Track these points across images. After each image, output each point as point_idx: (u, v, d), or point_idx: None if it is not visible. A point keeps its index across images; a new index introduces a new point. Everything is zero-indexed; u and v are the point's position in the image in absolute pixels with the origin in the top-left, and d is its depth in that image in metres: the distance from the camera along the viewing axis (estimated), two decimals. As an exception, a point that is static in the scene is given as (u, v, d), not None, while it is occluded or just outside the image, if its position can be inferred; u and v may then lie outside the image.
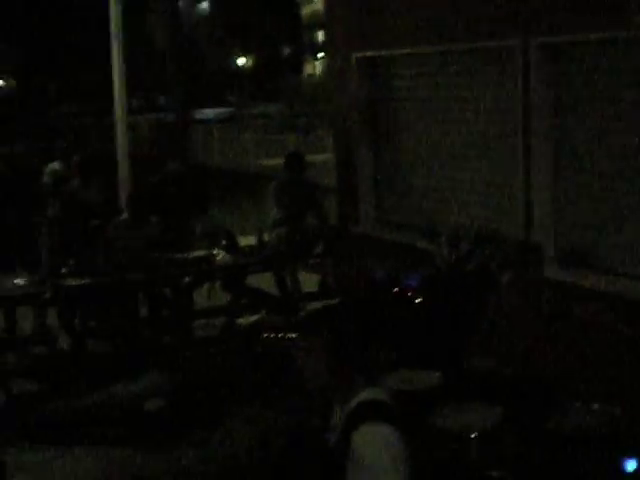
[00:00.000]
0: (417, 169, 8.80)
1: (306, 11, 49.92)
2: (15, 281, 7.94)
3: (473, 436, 4.40)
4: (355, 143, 9.39)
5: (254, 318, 8.41)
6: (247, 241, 9.75)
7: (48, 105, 37.77)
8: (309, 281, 9.43)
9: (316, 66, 54.32)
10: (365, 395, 3.14)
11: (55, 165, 11.72)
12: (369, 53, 9.22)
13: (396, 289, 6.34)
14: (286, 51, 56.40)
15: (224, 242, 8.79)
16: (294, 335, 6.78)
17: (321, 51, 53.78)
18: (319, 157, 16.90)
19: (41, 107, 35.26)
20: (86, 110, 34.57)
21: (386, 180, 9.25)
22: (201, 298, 9.14)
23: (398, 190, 9.09)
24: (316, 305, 8.11)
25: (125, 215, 8.64)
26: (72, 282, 7.97)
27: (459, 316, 5.80)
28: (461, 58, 8.42)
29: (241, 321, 8.69)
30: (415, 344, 5.56)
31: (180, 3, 23.40)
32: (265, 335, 7.05)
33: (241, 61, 56.79)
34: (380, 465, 2.94)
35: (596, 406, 4.70)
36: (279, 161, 20.12)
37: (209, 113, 34.38)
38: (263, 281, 9.21)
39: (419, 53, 8.72)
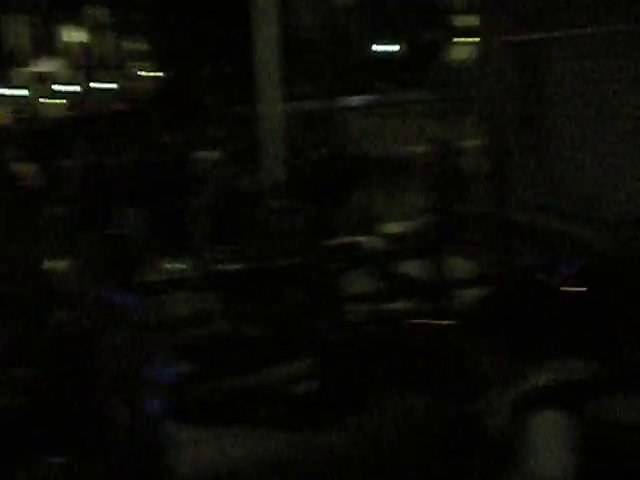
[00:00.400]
0: (574, 154, 8.58)
1: (453, -6, 49.26)
2: (171, 266, 8.19)
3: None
4: (507, 128, 9.23)
5: (403, 305, 8.40)
6: (396, 228, 9.73)
7: (201, 94, 38.68)
8: (459, 267, 9.32)
9: (463, 51, 53.59)
10: (539, 380, 3.12)
11: (209, 154, 12.00)
12: (522, 36, 9.04)
13: (554, 277, 6.21)
14: (433, 36, 55.97)
15: (370, 225, 8.82)
16: (448, 322, 6.80)
17: (469, 35, 53.16)
18: (469, 143, 16.65)
19: (193, 96, 36.14)
20: (237, 99, 35.16)
21: (541, 165, 9.06)
22: (351, 284, 9.17)
23: (553, 176, 8.89)
24: (472, 292, 8.06)
25: (277, 202, 8.78)
26: (226, 267, 8.18)
27: (621, 305, 5.64)
28: (619, 39, 8.14)
29: (391, 307, 8.71)
30: (576, 333, 5.44)
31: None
32: (417, 322, 7.08)
33: (388, 47, 56.76)
34: (556, 451, 2.96)
35: None
36: (425, 148, 20.11)
37: (357, 100, 34.43)
38: (413, 268, 9.16)
39: (575, 35, 8.49)
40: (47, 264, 8.06)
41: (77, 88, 63.25)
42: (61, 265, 7.34)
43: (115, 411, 3.32)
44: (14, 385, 4.69)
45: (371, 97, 36.75)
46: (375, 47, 38.54)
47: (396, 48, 46.95)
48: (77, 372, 3.56)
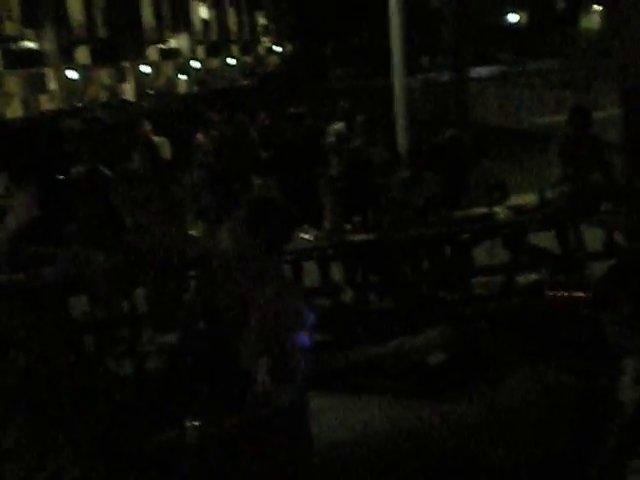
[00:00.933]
0: None
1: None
2: (301, 236, 8.29)
3: None
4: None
5: (535, 277, 8.31)
6: (524, 199, 9.59)
7: (325, 67, 38.89)
8: (593, 238, 9.15)
9: (592, 19, 52.18)
10: None
11: (338, 125, 12.08)
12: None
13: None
14: (560, 4, 54.65)
15: (498, 195, 8.71)
16: (580, 294, 6.70)
17: (597, 3, 51.70)
18: (599, 114, 16.24)
19: (319, 70, 36.35)
20: (361, 72, 35.28)
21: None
22: (481, 256, 9.11)
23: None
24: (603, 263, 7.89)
25: (406, 173, 8.77)
26: (356, 238, 8.24)
27: None
28: None
29: (522, 279, 8.63)
30: None
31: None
32: (549, 293, 6.99)
33: (513, 17, 55.67)
34: None
35: None
36: (554, 118, 19.73)
37: (481, 71, 33.98)
38: (545, 239, 9.04)
39: None
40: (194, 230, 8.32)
41: (206, 64, 64.39)
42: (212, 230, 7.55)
43: (258, 373, 3.42)
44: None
45: (502, 67, 36.19)
46: (505, 17, 37.84)
47: (525, 18, 45.95)
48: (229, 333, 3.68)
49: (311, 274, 8.92)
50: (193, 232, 8.18)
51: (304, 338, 3.48)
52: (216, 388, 3.77)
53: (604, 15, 49.30)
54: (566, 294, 6.79)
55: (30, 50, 46.85)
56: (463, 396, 6.54)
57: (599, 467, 3.22)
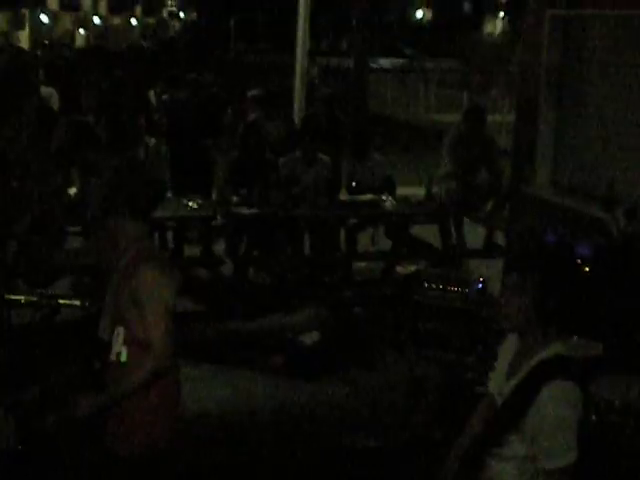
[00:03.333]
0: (600, 136, 8.52)
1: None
2: (189, 203, 8.20)
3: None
4: (538, 104, 9.17)
5: (414, 268, 8.44)
6: (411, 192, 9.74)
7: (228, 39, 38.52)
8: (474, 235, 9.37)
9: (497, 25, 53.24)
10: (557, 349, 3.17)
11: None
12: (565, 12, 8.95)
13: (566, 254, 6.22)
14: (467, 7, 55.54)
15: (385, 186, 8.83)
16: (455, 288, 6.82)
17: (503, 10, 52.75)
18: (492, 117, 16.60)
19: (221, 41, 35.99)
20: (263, 48, 35.10)
21: (566, 144, 9.02)
22: (364, 242, 9.21)
23: (577, 155, 8.85)
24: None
25: (298, 152, 8.77)
26: (242, 211, 8.20)
27: (628, 290, 5.66)
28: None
29: (400, 269, 8.76)
30: (580, 312, 5.47)
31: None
32: (426, 285, 7.10)
33: (420, 13, 56.29)
34: (565, 421, 3.05)
35: None
36: (450, 117, 20.07)
37: (384, 63, 34.29)
38: (428, 232, 9.19)
39: (618, 15, 8.38)
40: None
41: (107, 21, 62.76)
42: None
43: (114, 343, 3.36)
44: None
45: (402, 61, 36.55)
46: (410, 13, 38.20)
47: (428, 15, 46.40)
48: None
49: (193, 244, 8.85)
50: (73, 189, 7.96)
51: (164, 309, 3.38)
52: (75, 353, 3.68)
53: (508, 23, 50.35)
54: (442, 287, 6.91)
55: None
56: (333, 377, 6.60)
57: (461, 452, 3.32)
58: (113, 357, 3.45)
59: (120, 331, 3.40)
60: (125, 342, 3.41)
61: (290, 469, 5.23)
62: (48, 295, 3.14)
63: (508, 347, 3.33)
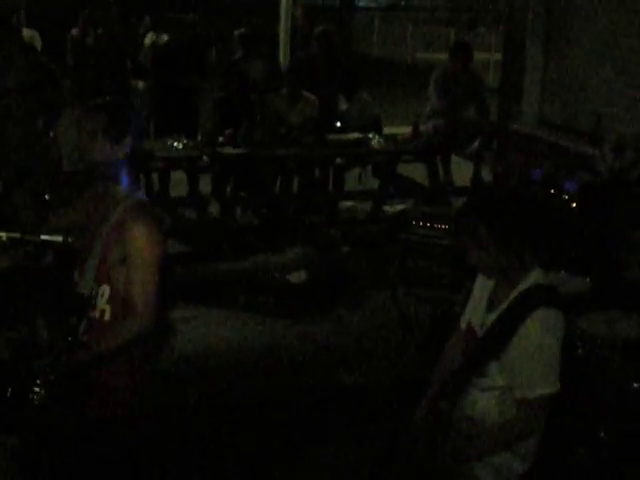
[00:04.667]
0: (587, 71, 8.49)
1: None
2: (174, 144, 8.13)
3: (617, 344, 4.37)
4: (525, 42, 9.12)
5: (401, 207, 8.43)
6: (398, 130, 9.69)
7: None
8: (462, 171, 9.34)
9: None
10: (536, 278, 3.17)
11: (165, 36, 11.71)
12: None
13: (553, 190, 6.21)
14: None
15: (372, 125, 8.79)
16: (444, 225, 6.82)
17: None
18: (480, 55, 16.48)
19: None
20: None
21: (553, 80, 8.99)
22: (350, 181, 9.18)
23: (564, 91, 8.82)
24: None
25: (284, 90, 8.68)
26: (228, 151, 8.14)
27: (614, 226, 5.66)
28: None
29: (388, 208, 8.74)
30: (566, 248, 5.47)
31: None
32: (414, 223, 7.09)
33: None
34: (549, 349, 3.08)
35: None
36: (437, 55, 19.90)
37: (370, 2, 33.91)
38: (415, 171, 9.16)
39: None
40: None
41: None
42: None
43: (98, 301, 3.30)
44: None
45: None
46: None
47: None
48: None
49: (179, 184, 8.79)
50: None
51: (155, 269, 3.27)
52: (54, 309, 3.59)
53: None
54: (430, 225, 6.91)
55: None
56: (321, 316, 6.62)
57: (444, 384, 3.35)
58: (96, 315, 3.34)
59: (105, 289, 3.28)
60: (110, 300, 3.30)
61: (279, 408, 5.25)
62: (30, 232, 3.07)
63: (484, 281, 3.33)
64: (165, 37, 10.58)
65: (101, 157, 3.32)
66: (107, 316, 3.31)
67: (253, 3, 24.62)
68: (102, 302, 3.29)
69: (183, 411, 5.03)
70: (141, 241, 3.23)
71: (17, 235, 3.02)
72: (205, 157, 8.21)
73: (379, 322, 6.49)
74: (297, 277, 6.88)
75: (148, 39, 11.45)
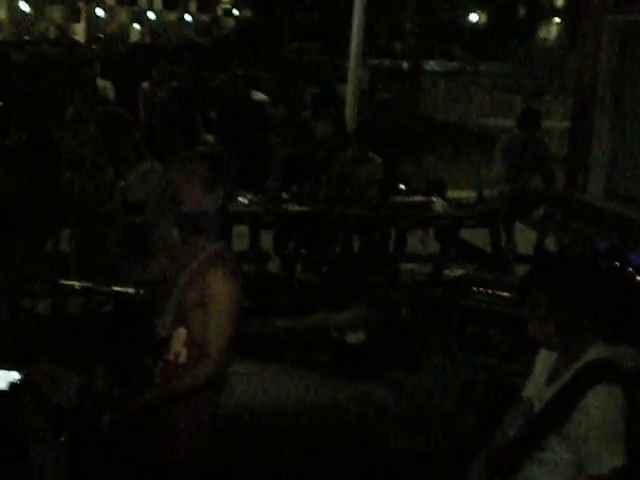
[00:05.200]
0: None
1: (549, -27, 48.53)
2: (239, 199, 8.22)
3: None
4: (593, 111, 9.09)
5: (462, 271, 8.38)
6: (462, 195, 9.67)
7: (281, 39, 38.64)
8: (525, 240, 9.27)
9: (551, 30, 52.80)
10: (597, 352, 3.15)
11: (259, 95, 11.95)
12: (623, 17, 8.85)
13: (618, 262, 6.13)
14: (521, 11, 55.04)
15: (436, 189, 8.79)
16: (505, 293, 6.75)
17: (558, 15, 52.24)
18: (545, 123, 16.49)
19: (274, 40, 36.10)
20: (317, 48, 35.19)
21: (620, 151, 8.94)
22: (412, 243, 9.17)
23: (632, 162, 8.76)
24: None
25: (349, 151, 8.75)
26: (292, 208, 8.21)
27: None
28: None
29: (448, 272, 8.69)
30: (629, 322, 5.39)
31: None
32: (474, 289, 7.02)
33: (474, 17, 55.93)
34: (612, 426, 3.01)
35: None
36: (502, 121, 19.92)
37: (435, 65, 34.15)
38: (478, 236, 9.12)
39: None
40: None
41: (162, 16, 63.33)
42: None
43: (174, 343, 3.33)
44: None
45: (455, 64, 36.37)
46: (466, 15, 37.90)
47: (485, 19, 46.15)
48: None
49: (241, 238, 8.86)
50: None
51: (231, 315, 3.32)
52: (129, 349, 3.65)
53: (562, 28, 49.88)
54: (491, 292, 6.84)
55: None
56: (376, 378, 6.56)
57: (500, 456, 3.30)
58: (171, 357, 3.39)
59: (182, 332, 3.33)
60: (185, 343, 3.34)
61: (331, 468, 5.20)
62: (102, 282, 3.13)
63: (546, 354, 3.30)
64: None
65: (194, 205, 3.35)
66: (182, 358, 3.37)
67: (322, 63, 25.06)
68: (178, 345, 3.34)
69: (234, 464, 5.00)
70: (219, 288, 3.28)
71: (89, 285, 3.07)
72: (269, 213, 8.29)
73: (436, 387, 6.40)
74: (355, 337, 6.85)
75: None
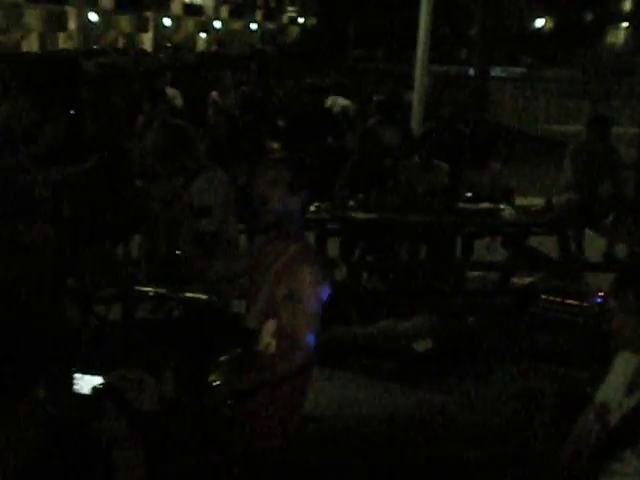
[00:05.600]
0: None
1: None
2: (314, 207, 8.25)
3: None
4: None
5: (530, 279, 8.30)
6: (530, 202, 9.58)
7: (346, 46, 38.81)
8: (594, 246, 9.16)
9: (619, 35, 52.10)
10: None
11: (341, 100, 12.01)
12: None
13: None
14: (589, 16, 54.41)
15: (504, 196, 8.73)
16: (574, 301, 6.68)
17: (626, 20, 51.51)
18: (614, 129, 16.27)
19: (339, 48, 36.28)
20: (382, 55, 35.26)
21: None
22: (480, 250, 9.11)
23: None
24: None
25: (416, 157, 8.74)
26: (359, 215, 8.22)
27: None
28: None
29: (516, 280, 8.62)
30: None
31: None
32: (544, 297, 6.97)
33: (540, 22, 55.42)
34: None
35: None
36: (570, 127, 19.69)
37: (502, 72, 33.93)
38: (546, 243, 9.03)
39: None
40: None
41: (228, 25, 64.03)
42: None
43: (264, 335, 3.46)
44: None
45: (521, 70, 36.06)
46: (532, 21, 37.62)
47: (551, 25, 45.72)
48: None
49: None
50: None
51: (317, 307, 3.48)
52: (215, 345, 3.75)
53: (630, 33, 49.18)
54: (560, 300, 6.77)
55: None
56: (444, 386, 6.54)
57: (572, 468, 3.27)
58: (261, 347, 3.54)
59: (271, 324, 3.51)
60: (275, 335, 3.51)
61: (397, 475, 5.20)
62: (176, 288, 3.21)
63: (625, 360, 3.25)
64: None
65: (280, 206, 3.56)
66: (272, 349, 3.50)
67: (389, 70, 25.10)
68: (268, 336, 3.50)
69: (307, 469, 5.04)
70: (307, 280, 3.47)
71: (163, 291, 3.14)
72: (336, 220, 8.32)
73: (503, 396, 6.36)
74: (422, 345, 6.84)
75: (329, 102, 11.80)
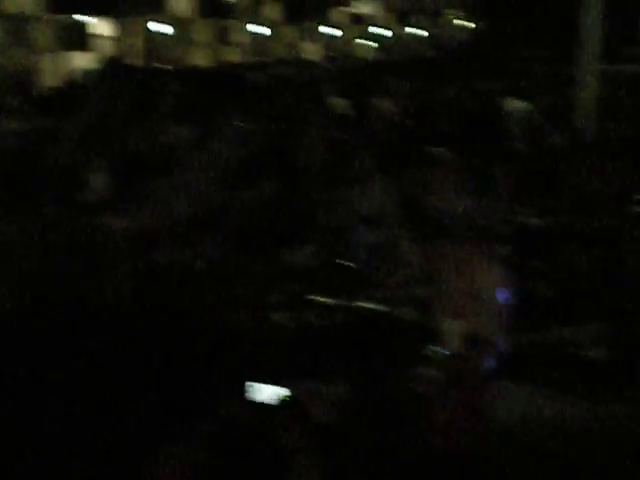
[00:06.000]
0: None
1: None
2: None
3: None
4: None
5: None
6: None
7: (513, 48, 38.24)
8: None
9: None
10: None
11: (518, 103, 11.85)
12: None
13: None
14: None
15: None
16: None
17: None
18: None
19: (506, 49, 35.78)
20: (549, 56, 34.51)
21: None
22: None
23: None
24: None
25: (589, 162, 8.55)
26: (532, 221, 8.12)
27: None
28: None
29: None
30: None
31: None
32: None
33: None
34: None
35: None
36: None
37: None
38: None
39: None
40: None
41: (395, 32, 64.42)
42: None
43: (451, 337, 3.47)
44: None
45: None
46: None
47: None
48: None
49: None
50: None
51: (505, 307, 3.47)
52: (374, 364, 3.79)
53: None
54: None
55: (224, 1, 47.98)
56: (618, 397, 6.34)
57: None
58: (449, 348, 3.56)
59: (455, 324, 3.52)
60: (462, 335, 3.52)
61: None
62: (347, 297, 3.27)
63: None
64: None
65: (455, 209, 3.63)
66: (460, 350, 3.50)
67: (551, 71, 24.53)
68: (455, 337, 3.50)
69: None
70: (489, 277, 3.44)
71: (334, 301, 3.20)
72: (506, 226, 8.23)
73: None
74: (597, 353, 6.66)
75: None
